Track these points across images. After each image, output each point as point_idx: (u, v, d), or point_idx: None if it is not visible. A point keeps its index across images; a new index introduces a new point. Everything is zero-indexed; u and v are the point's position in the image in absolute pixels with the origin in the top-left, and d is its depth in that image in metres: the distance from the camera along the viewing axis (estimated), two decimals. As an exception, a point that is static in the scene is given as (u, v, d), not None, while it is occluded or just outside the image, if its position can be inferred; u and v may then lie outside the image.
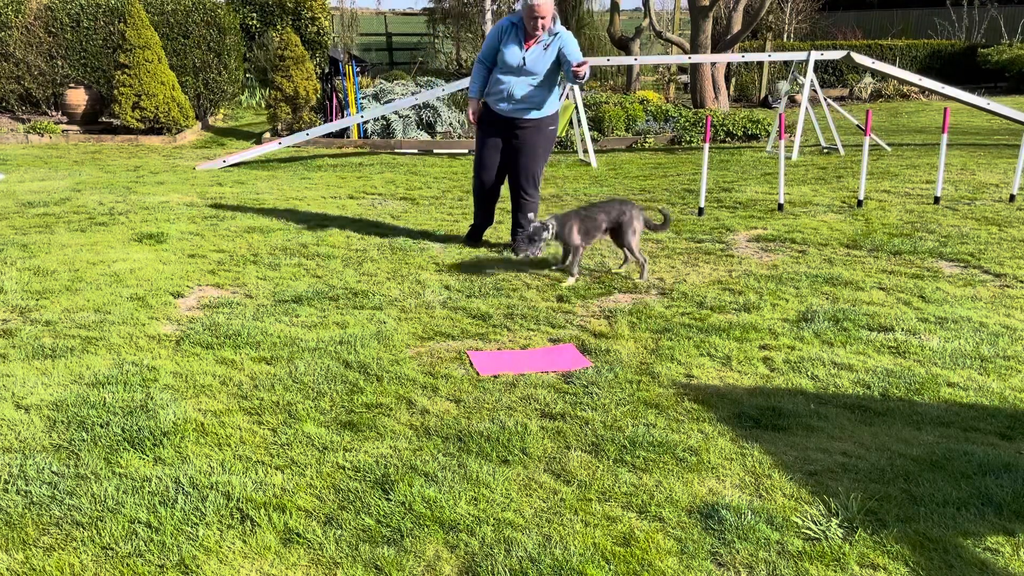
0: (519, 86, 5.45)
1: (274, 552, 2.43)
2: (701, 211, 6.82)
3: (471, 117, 5.80)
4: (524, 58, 5.40)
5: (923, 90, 13.76)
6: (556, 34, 5.41)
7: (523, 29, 5.42)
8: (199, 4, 12.59)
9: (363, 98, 12.04)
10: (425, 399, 3.45)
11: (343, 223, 6.58)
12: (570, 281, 5.04)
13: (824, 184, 8.04)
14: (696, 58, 12.98)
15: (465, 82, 10.80)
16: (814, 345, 4.01)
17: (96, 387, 3.49)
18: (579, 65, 5.27)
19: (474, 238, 6.02)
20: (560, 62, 5.44)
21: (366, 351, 3.93)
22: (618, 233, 5.14)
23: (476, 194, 5.92)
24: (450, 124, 11.76)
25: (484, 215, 5.99)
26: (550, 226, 5.08)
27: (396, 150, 11.04)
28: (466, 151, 10.83)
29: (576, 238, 5.11)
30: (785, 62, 16.87)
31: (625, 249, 5.19)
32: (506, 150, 5.69)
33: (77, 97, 12.03)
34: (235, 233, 6.20)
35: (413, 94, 11.42)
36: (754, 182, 8.25)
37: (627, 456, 2.97)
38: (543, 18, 5.29)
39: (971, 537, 2.49)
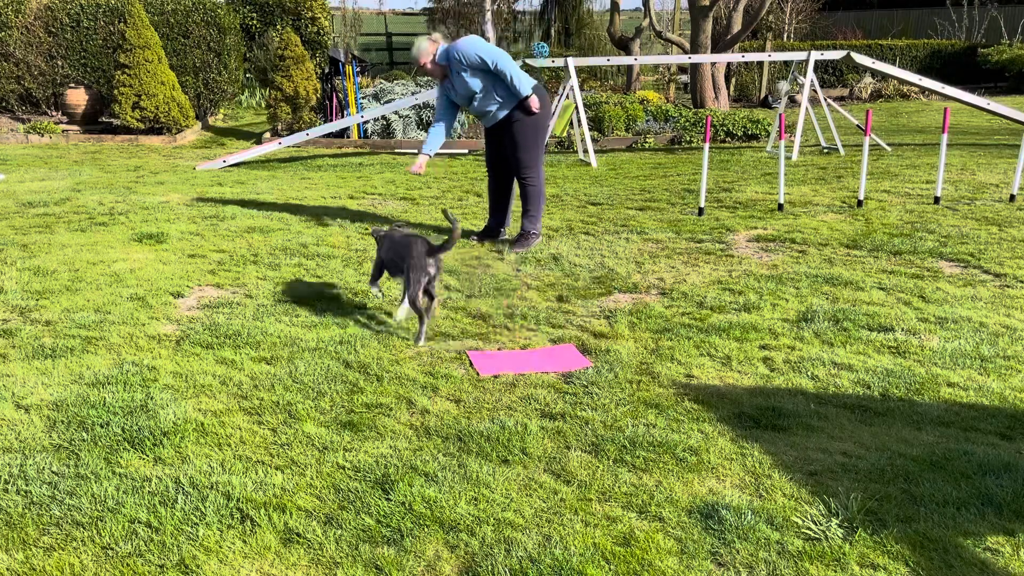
0: (477, 107, 5.75)
1: (274, 552, 2.43)
2: (701, 211, 6.82)
3: (419, 170, 5.79)
4: (455, 89, 5.71)
5: (923, 90, 13.76)
6: (447, 54, 5.62)
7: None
8: (199, 4, 12.59)
9: (363, 98, 12.04)
10: (425, 399, 3.45)
11: (343, 223, 6.58)
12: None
13: (824, 184, 8.04)
14: (696, 58, 12.98)
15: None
16: (814, 345, 4.01)
17: (96, 387, 3.49)
18: (526, 99, 5.65)
19: (483, 237, 6.13)
20: (485, 67, 5.61)
21: (366, 351, 3.93)
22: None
23: (488, 194, 6.23)
24: (450, 124, 11.75)
25: (493, 216, 6.15)
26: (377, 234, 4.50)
27: (396, 150, 11.04)
28: (466, 151, 10.83)
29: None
30: (785, 62, 16.87)
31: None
32: (502, 146, 5.91)
33: (77, 97, 12.03)
34: (235, 233, 6.20)
35: (413, 94, 11.42)
36: (754, 182, 8.25)
37: (627, 456, 2.97)
38: (422, 64, 5.67)
39: (971, 537, 2.49)
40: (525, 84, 5.62)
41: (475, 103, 5.72)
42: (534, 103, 5.65)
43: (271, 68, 11.98)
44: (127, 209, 6.96)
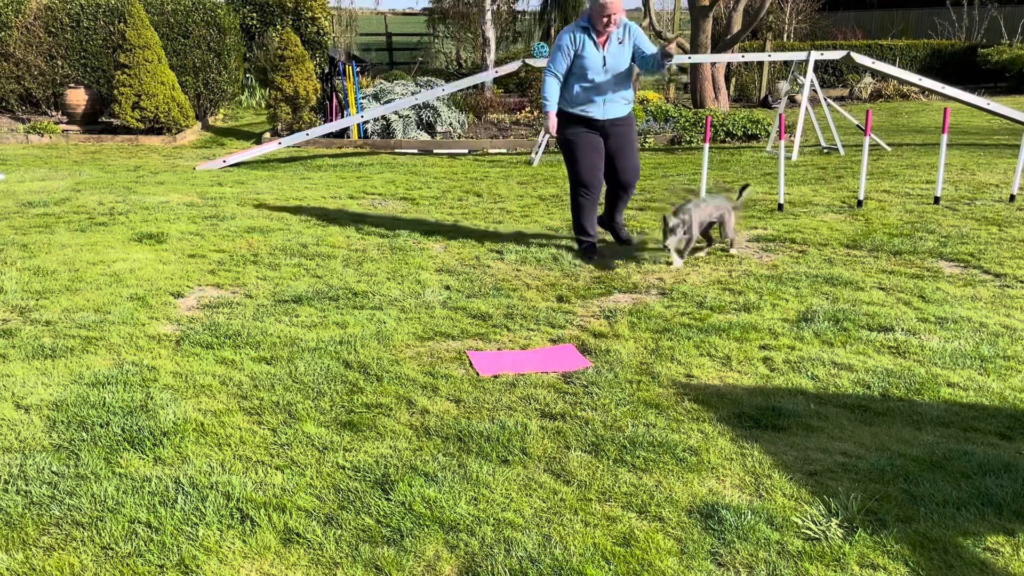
0: (607, 87, 5.38)
1: (274, 552, 2.43)
2: (701, 211, 6.81)
3: (551, 130, 5.49)
4: (604, 58, 5.34)
5: (923, 90, 13.76)
6: (626, 26, 5.39)
7: (592, 30, 5.35)
8: (199, 4, 12.59)
9: (363, 98, 12.04)
10: (425, 399, 3.45)
11: (343, 223, 6.58)
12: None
13: (824, 184, 8.03)
14: (696, 58, 12.97)
15: (465, 82, 10.80)
16: (814, 345, 4.01)
17: (96, 387, 3.49)
18: (669, 43, 5.27)
19: (595, 252, 5.61)
20: (634, 55, 5.44)
21: (366, 351, 3.93)
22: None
23: (585, 205, 5.54)
24: (450, 124, 11.76)
25: (593, 226, 5.64)
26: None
27: (396, 150, 11.04)
28: (466, 151, 10.82)
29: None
30: (785, 62, 16.87)
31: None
32: (606, 147, 5.52)
33: (77, 97, 12.03)
34: (235, 233, 6.20)
35: (413, 94, 11.42)
36: (754, 182, 8.25)
37: (627, 456, 2.97)
38: (615, 14, 5.23)
39: (971, 537, 2.49)
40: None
41: (607, 81, 5.35)
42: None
43: (271, 68, 11.99)
44: (127, 209, 6.96)
